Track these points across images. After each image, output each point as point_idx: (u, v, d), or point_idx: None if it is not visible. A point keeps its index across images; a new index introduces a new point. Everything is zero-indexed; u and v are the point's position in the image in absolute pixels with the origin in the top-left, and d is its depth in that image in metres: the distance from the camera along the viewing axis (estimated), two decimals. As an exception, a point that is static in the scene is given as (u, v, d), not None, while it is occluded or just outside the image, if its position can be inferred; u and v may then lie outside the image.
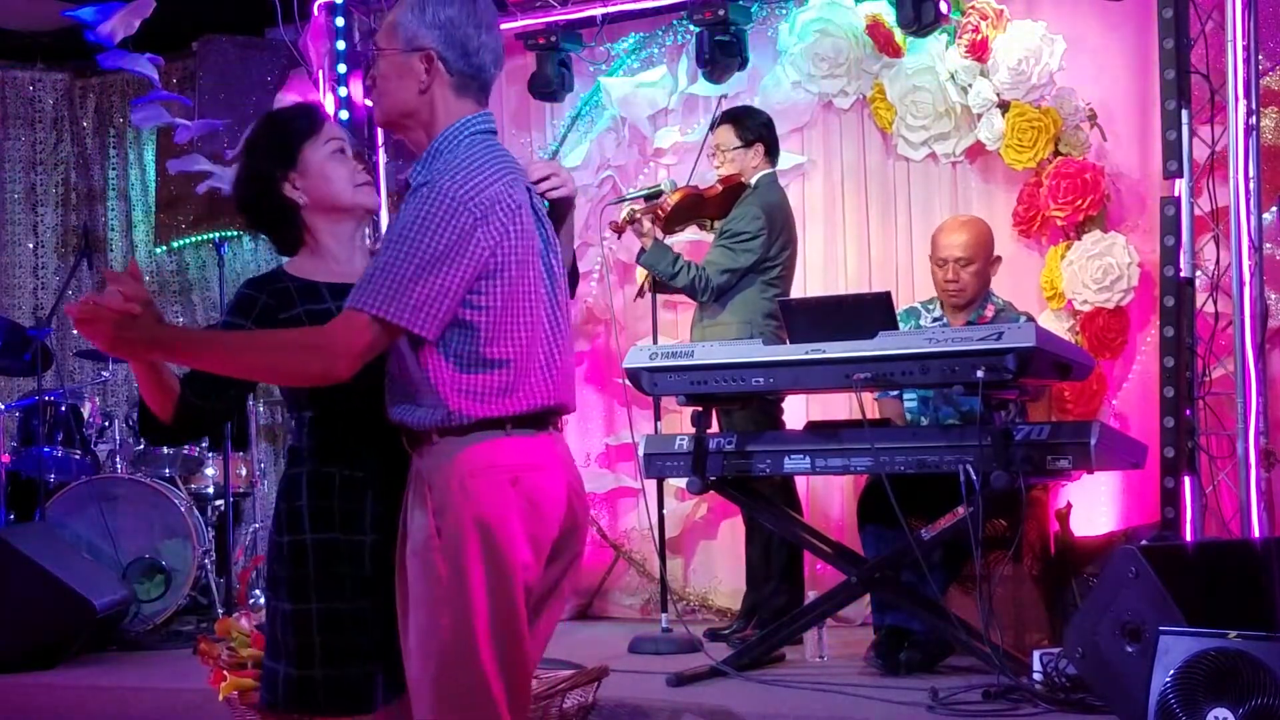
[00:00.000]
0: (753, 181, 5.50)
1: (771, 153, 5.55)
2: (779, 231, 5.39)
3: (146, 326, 2.44)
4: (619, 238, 5.75)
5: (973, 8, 5.70)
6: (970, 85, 5.71)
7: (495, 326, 2.52)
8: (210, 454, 6.73)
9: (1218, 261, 5.21)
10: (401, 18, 2.60)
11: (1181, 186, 5.16)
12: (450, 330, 2.51)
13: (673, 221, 5.50)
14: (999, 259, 5.07)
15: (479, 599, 2.48)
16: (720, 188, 5.50)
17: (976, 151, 5.84)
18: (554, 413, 2.62)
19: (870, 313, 4.42)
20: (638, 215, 5.41)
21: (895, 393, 5.06)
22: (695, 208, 5.53)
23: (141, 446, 6.62)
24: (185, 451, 6.61)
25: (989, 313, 4.97)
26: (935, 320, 5.02)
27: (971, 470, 4.22)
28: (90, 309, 2.41)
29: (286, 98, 7.14)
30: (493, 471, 2.52)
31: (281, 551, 2.71)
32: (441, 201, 2.48)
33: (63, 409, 6.71)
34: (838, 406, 5.58)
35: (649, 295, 5.70)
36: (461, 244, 2.47)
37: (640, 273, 5.80)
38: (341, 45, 6.91)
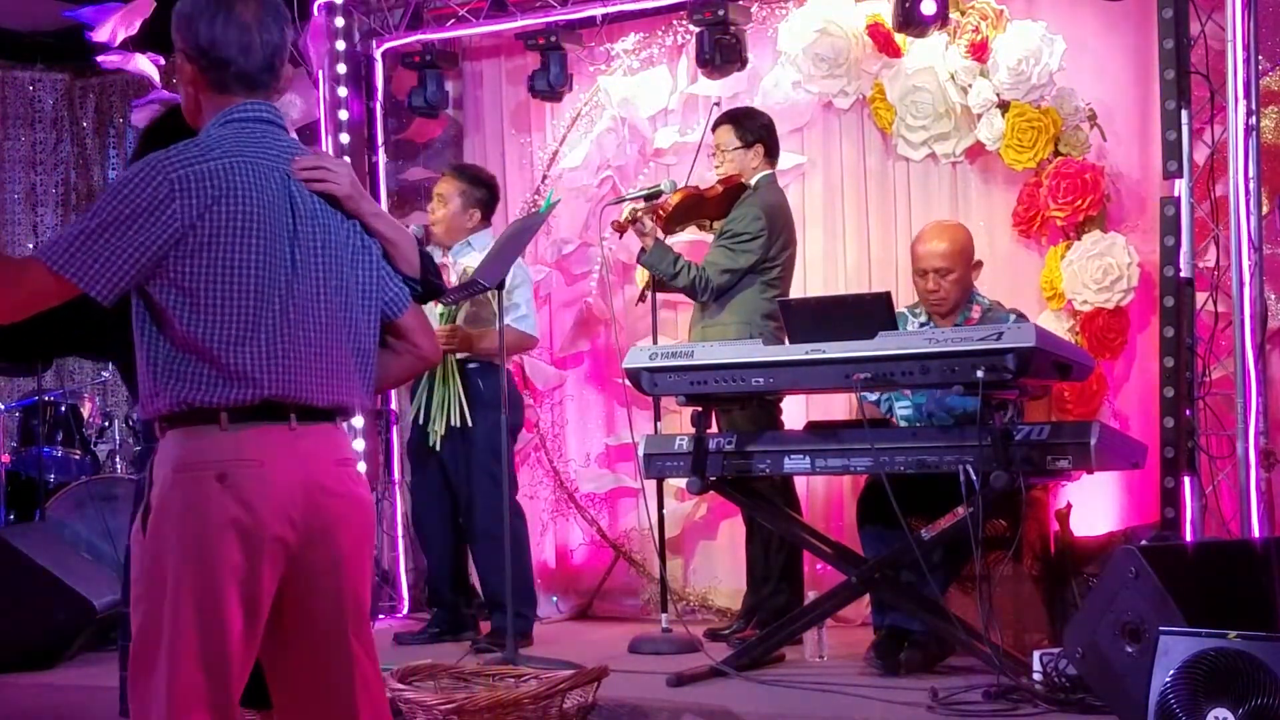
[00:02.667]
0: (753, 182, 5.50)
1: (771, 153, 5.56)
2: (779, 232, 5.39)
3: None
4: (620, 238, 5.75)
5: (972, 8, 5.70)
6: (970, 85, 5.71)
7: (203, 310, 2.49)
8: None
9: (1217, 261, 5.21)
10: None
11: (1181, 186, 5.16)
12: (160, 313, 2.49)
13: (672, 222, 5.51)
14: (979, 263, 5.04)
15: (176, 599, 2.45)
16: (720, 188, 5.50)
17: (976, 152, 5.84)
18: (281, 406, 2.54)
19: (870, 313, 4.42)
20: (639, 215, 5.41)
21: (874, 401, 5.05)
22: (695, 208, 5.54)
23: (141, 446, 6.61)
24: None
25: (975, 314, 4.97)
26: (922, 325, 5.00)
27: (971, 470, 4.23)
28: None
29: (286, 98, 7.14)
30: (199, 467, 2.48)
31: None
32: (142, 169, 2.49)
33: (63, 409, 6.72)
34: (838, 407, 5.59)
35: (650, 296, 5.70)
36: (152, 211, 2.45)
37: (641, 275, 5.80)
38: (341, 45, 6.91)
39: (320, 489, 2.56)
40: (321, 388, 2.59)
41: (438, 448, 5.64)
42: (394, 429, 6.88)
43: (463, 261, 5.69)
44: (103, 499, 6.18)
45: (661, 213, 5.42)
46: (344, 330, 2.63)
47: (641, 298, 5.82)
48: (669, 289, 5.61)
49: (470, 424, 5.62)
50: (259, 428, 2.52)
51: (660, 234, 5.43)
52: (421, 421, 5.67)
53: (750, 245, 5.33)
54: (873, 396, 5.02)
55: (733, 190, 5.49)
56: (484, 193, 5.86)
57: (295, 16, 6.66)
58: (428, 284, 2.79)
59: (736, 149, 5.50)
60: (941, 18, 5.55)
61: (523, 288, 5.69)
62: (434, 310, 5.59)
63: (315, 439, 2.59)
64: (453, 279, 5.51)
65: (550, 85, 6.44)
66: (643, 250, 5.45)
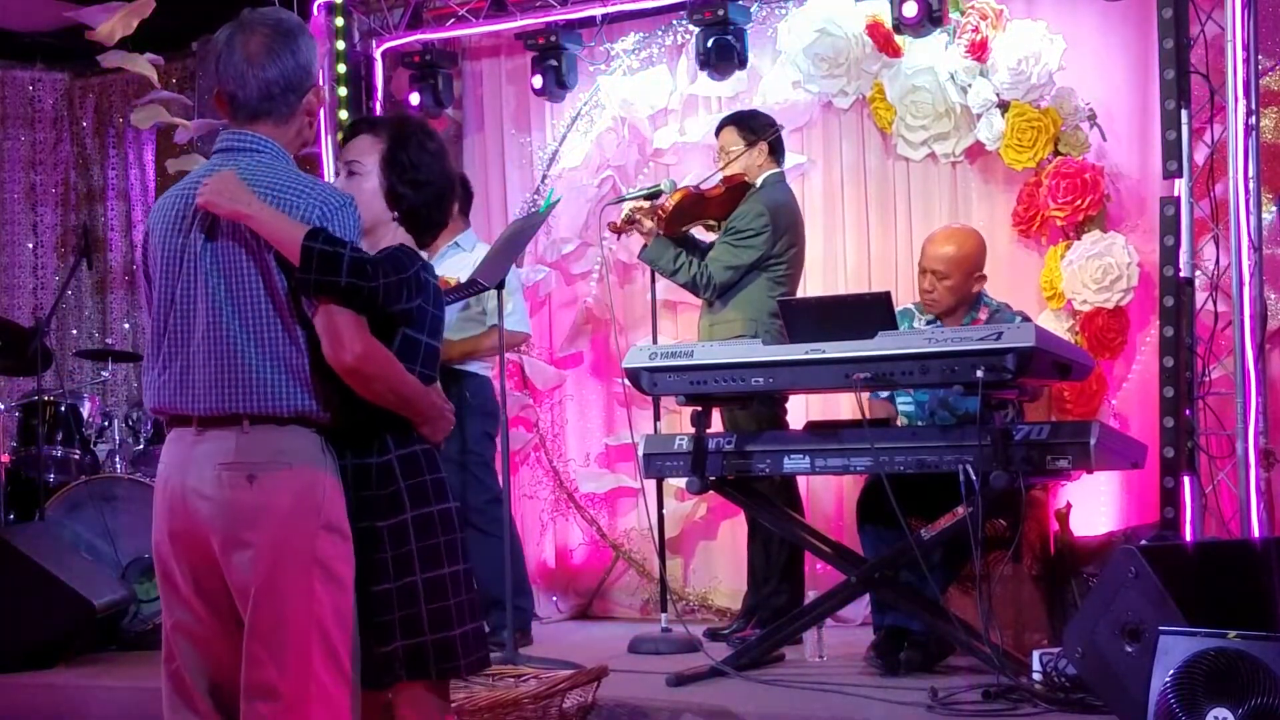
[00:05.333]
0: (758, 181, 5.50)
1: (775, 153, 5.55)
2: (783, 230, 5.39)
3: None
4: (618, 239, 5.75)
5: (972, 8, 5.70)
6: (970, 85, 5.71)
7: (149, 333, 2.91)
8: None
9: (1217, 261, 5.21)
10: None
11: (1181, 186, 5.16)
12: None
13: (675, 222, 5.49)
14: (983, 276, 5.00)
15: None
16: (723, 188, 5.50)
17: (976, 151, 5.84)
18: (179, 418, 2.82)
19: (870, 313, 4.42)
20: (637, 216, 5.41)
21: (885, 397, 5.05)
22: (697, 208, 5.53)
23: (141, 446, 6.62)
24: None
25: (983, 315, 4.96)
26: (929, 323, 5.00)
27: (971, 470, 4.22)
28: None
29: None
30: None
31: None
32: None
33: (63, 409, 6.71)
34: (838, 406, 5.59)
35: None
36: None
37: (627, 207, 5.72)
38: (341, 45, 6.91)
39: (195, 493, 2.77)
40: (200, 399, 2.78)
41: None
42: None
43: (451, 262, 5.70)
44: (103, 499, 6.17)
45: (661, 213, 5.41)
46: (226, 342, 2.77)
47: (615, 229, 5.72)
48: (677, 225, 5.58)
49: (457, 428, 5.61)
50: (170, 438, 2.85)
51: (660, 231, 5.43)
52: None
53: (753, 242, 5.33)
54: (884, 394, 5.02)
55: (736, 189, 5.49)
56: (459, 190, 5.90)
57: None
58: (304, 280, 2.74)
59: (740, 149, 5.50)
60: (930, 19, 5.54)
61: (510, 284, 5.69)
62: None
63: (207, 446, 2.77)
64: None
65: (550, 85, 6.44)
66: (644, 246, 5.45)
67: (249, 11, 2.93)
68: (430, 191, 3.04)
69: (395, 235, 3.02)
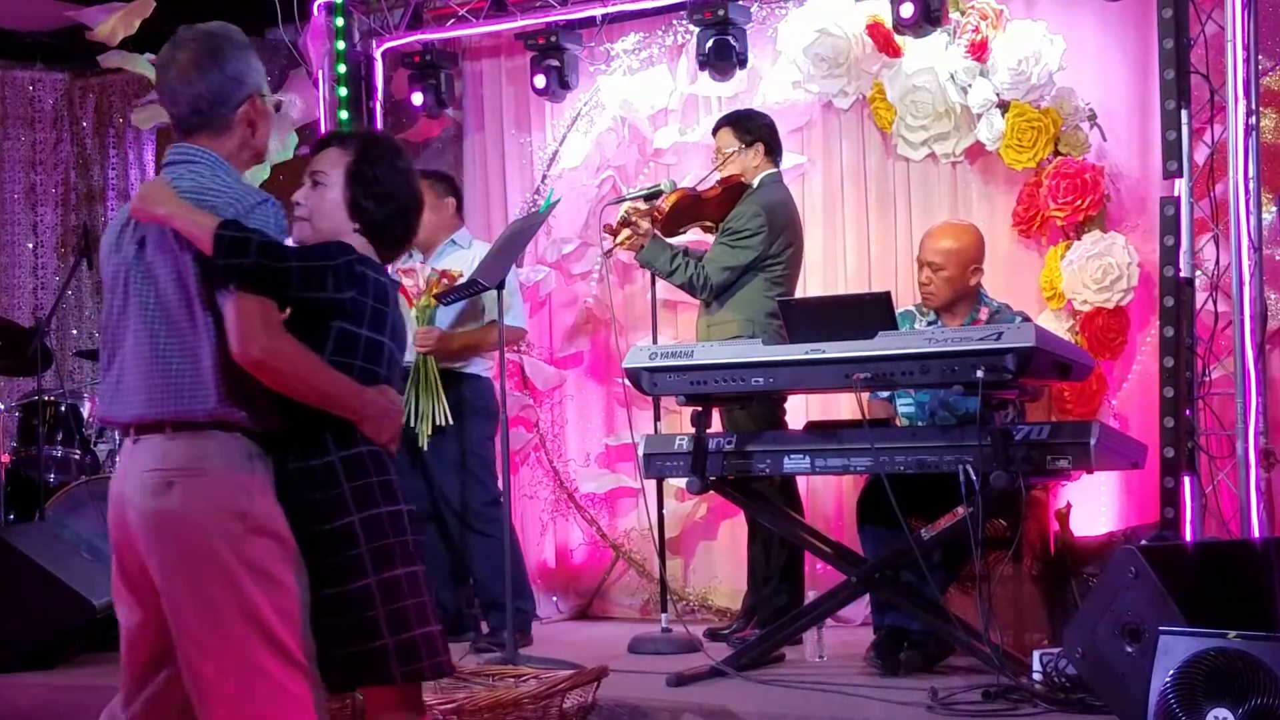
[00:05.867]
0: (755, 182, 5.50)
1: (772, 153, 5.55)
2: (780, 230, 5.39)
3: None
4: (614, 240, 5.76)
5: (972, 8, 5.70)
6: (970, 85, 5.71)
7: None
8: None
9: (1218, 261, 5.21)
10: None
11: (1181, 186, 5.16)
12: None
13: (672, 224, 5.51)
14: (980, 270, 5.02)
15: None
16: (720, 189, 5.50)
17: (976, 152, 5.84)
18: (121, 426, 2.91)
19: (870, 313, 4.42)
20: (633, 217, 5.41)
21: (885, 398, 5.05)
22: (693, 209, 5.53)
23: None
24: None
25: (983, 315, 4.97)
26: (930, 324, 5.00)
27: (971, 470, 4.22)
28: None
29: (286, 98, 7.14)
30: None
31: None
32: None
33: (62, 409, 6.71)
34: (838, 407, 5.58)
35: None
36: None
37: (625, 208, 5.74)
38: (341, 45, 6.91)
39: (126, 500, 2.84)
40: (130, 407, 2.85)
41: (424, 447, 5.64)
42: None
43: (449, 259, 5.72)
44: (103, 499, 6.07)
45: (658, 215, 5.42)
46: (150, 350, 2.83)
47: (608, 254, 5.79)
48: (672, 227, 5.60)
49: (458, 429, 5.63)
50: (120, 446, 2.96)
51: (657, 231, 5.43)
52: (411, 423, 5.67)
53: (749, 242, 5.33)
54: (885, 394, 5.02)
55: (733, 190, 5.49)
56: (448, 185, 5.97)
57: (295, 17, 6.73)
58: (214, 266, 2.76)
59: (736, 150, 5.50)
60: (928, 19, 5.54)
61: (510, 284, 5.70)
62: (409, 312, 5.61)
63: (139, 452, 2.85)
64: (422, 283, 5.54)
65: (550, 85, 6.45)
66: (641, 247, 5.45)
67: (183, 28, 2.99)
68: (393, 206, 3.07)
69: (359, 248, 3.02)
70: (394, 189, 3.08)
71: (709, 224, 5.62)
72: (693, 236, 5.85)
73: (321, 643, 2.83)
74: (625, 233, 5.48)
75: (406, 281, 5.52)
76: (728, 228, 5.41)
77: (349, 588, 2.83)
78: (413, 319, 5.59)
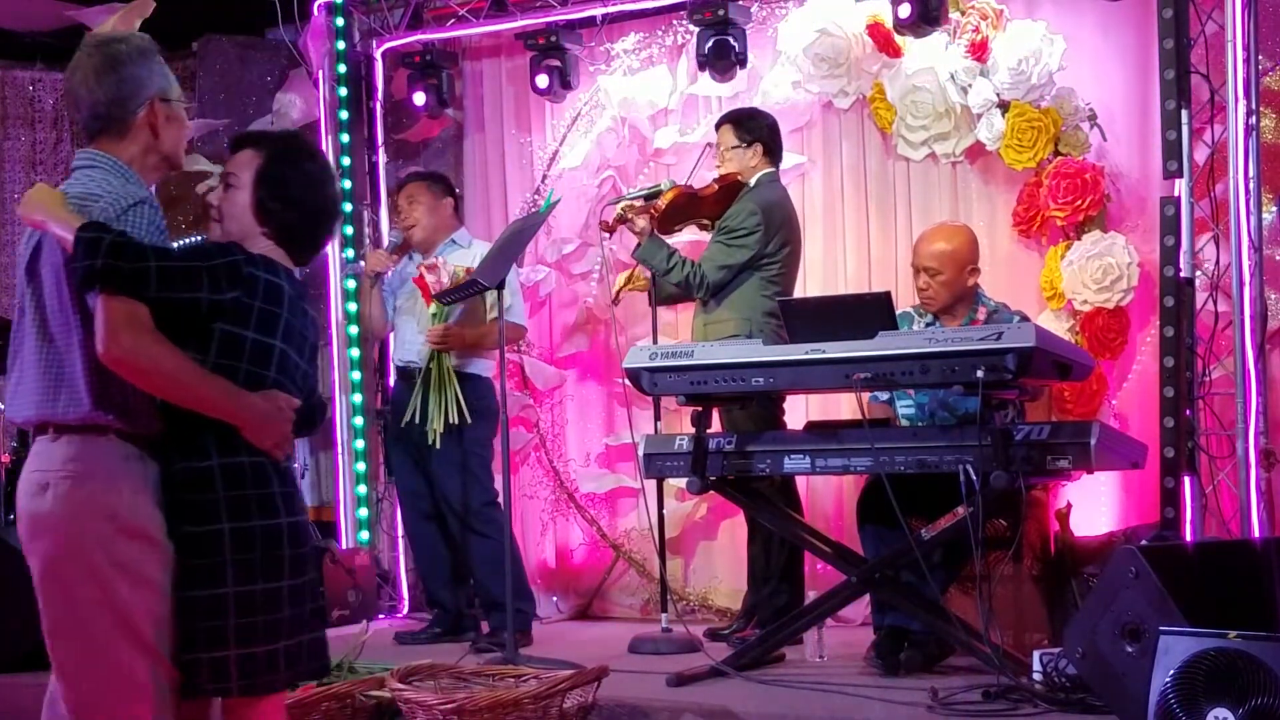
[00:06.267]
0: (752, 181, 5.50)
1: (771, 153, 5.55)
2: (776, 229, 5.39)
3: None
4: (610, 237, 5.77)
5: (972, 8, 5.70)
6: (970, 85, 5.71)
7: None
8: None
9: (1218, 261, 5.21)
10: None
11: (1181, 186, 5.16)
12: None
13: (669, 222, 5.51)
14: (977, 270, 5.02)
15: None
16: (717, 187, 5.51)
17: (976, 152, 5.84)
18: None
19: (870, 313, 4.42)
20: (629, 215, 5.42)
21: (885, 400, 5.05)
22: (691, 208, 5.54)
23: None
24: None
25: (981, 315, 4.97)
26: (928, 325, 5.00)
27: (971, 470, 4.22)
28: None
29: (286, 98, 7.14)
30: None
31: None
32: None
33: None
34: (837, 407, 5.58)
35: (622, 299, 5.72)
36: None
37: (620, 278, 5.80)
38: (341, 45, 6.92)
39: (19, 504, 2.89)
40: (23, 407, 2.89)
41: (437, 445, 5.65)
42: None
43: (450, 258, 5.73)
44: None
45: (654, 212, 5.42)
46: (37, 354, 2.86)
47: (615, 300, 5.82)
48: (664, 301, 5.65)
49: (458, 429, 5.64)
50: None
51: (652, 230, 5.44)
52: (418, 421, 5.67)
53: (745, 241, 5.33)
54: (884, 396, 5.02)
55: (730, 188, 5.50)
56: (445, 186, 5.99)
57: (296, 17, 6.74)
58: (71, 269, 2.75)
59: (735, 148, 5.50)
60: (926, 19, 5.54)
61: (510, 283, 5.71)
62: (426, 311, 5.61)
63: (31, 454, 2.90)
64: (445, 279, 5.55)
65: (550, 85, 6.45)
66: (637, 245, 5.45)
67: (89, 35, 3.05)
68: (301, 210, 3.04)
69: (266, 250, 2.99)
70: (303, 192, 3.05)
71: (705, 222, 5.62)
72: (689, 235, 5.86)
73: (176, 644, 2.83)
74: (628, 275, 5.65)
75: (429, 277, 5.52)
76: (724, 226, 5.41)
77: (204, 593, 2.81)
78: (429, 316, 5.61)
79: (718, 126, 5.64)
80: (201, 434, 2.85)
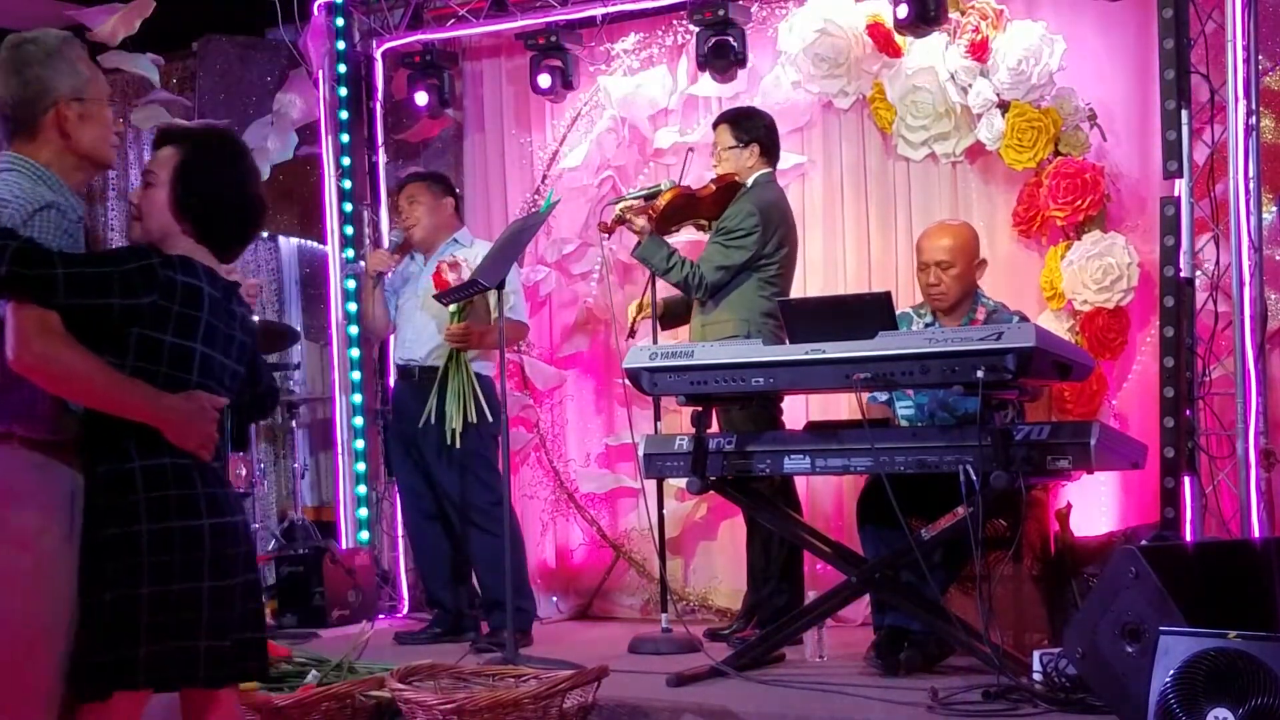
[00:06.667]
0: (749, 181, 5.50)
1: (768, 154, 5.55)
2: (774, 229, 5.39)
3: None
4: (608, 237, 5.77)
5: (972, 8, 5.70)
6: (970, 85, 5.71)
7: None
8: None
9: (1218, 261, 5.21)
10: None
11: (1181, 186, 5.16)
12: None
13: (667, 222, 5.52)
14: (984, 262, 5.03)
15: None
16: (714, 187, 5.51)
17: (976, 152, 5.84)
18: None
19: (870, 313, 4.42)
20: (628, 215, 5.42)
21: (884, 400, 5.06)
22: (689, 208, 5.54)
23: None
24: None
25: (980, 315, 4.97)
26: (927, 325, 5.00)
27: (971, 470, 4.22)
28: None
29: (286, 98, 7.14)
30: None
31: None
32: None
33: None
34: (837, 407, 5.58)
35: (637, 331, 5.72)
36: None
37: (631, 308, 5.79)
38: (341, 45, 6.92)
39: None
40: None
41: (457, 444, 5.64)
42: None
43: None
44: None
45: (653, 213, 5.43)
46: None
47: (631, 333, 5.80)
48: (672, 324, 5.65)
49: (468, 428, 5.64)
50: None
51: (652, 229, 5.44)
52: (434, 421, 5.67)
53: (744, 241, 5.33)
54: (883, 397, 5.02)
55: (727, 189, 5.50)
56: (445, 186, 5.99)
57: (296, 17, 6.74)
58: None
59: (731, 148, 5.50)
60: (924, 19, 5.54)
61: (510, 278, 5.71)
62: (445, 310, 5.61)
63: None
64: (467, 276, 5.55)
65: (550, 85, 6.45)
66: (637, 243, 5.46)
67: (10, 36, 2.99)
68: (219, 206, 3.00)
69: (187, 249, 2.97)
70: (222, 188, 3.01)
71: (702, 222, 5.63)
72: (687, 236, 5.86)
73: (81, 648, 2.81)
74: (637, 304, 5.65)
75: (450, 275, 5.52)
76: (722, 227, 5.42)
77: (118, 594, 2.79)
78: (449, 315, 5.61)
79: (715, 126, 5.64)
80: (123, 437, 2.84)
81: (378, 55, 7.01)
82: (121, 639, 2.79)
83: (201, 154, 3.02)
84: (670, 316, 5.71)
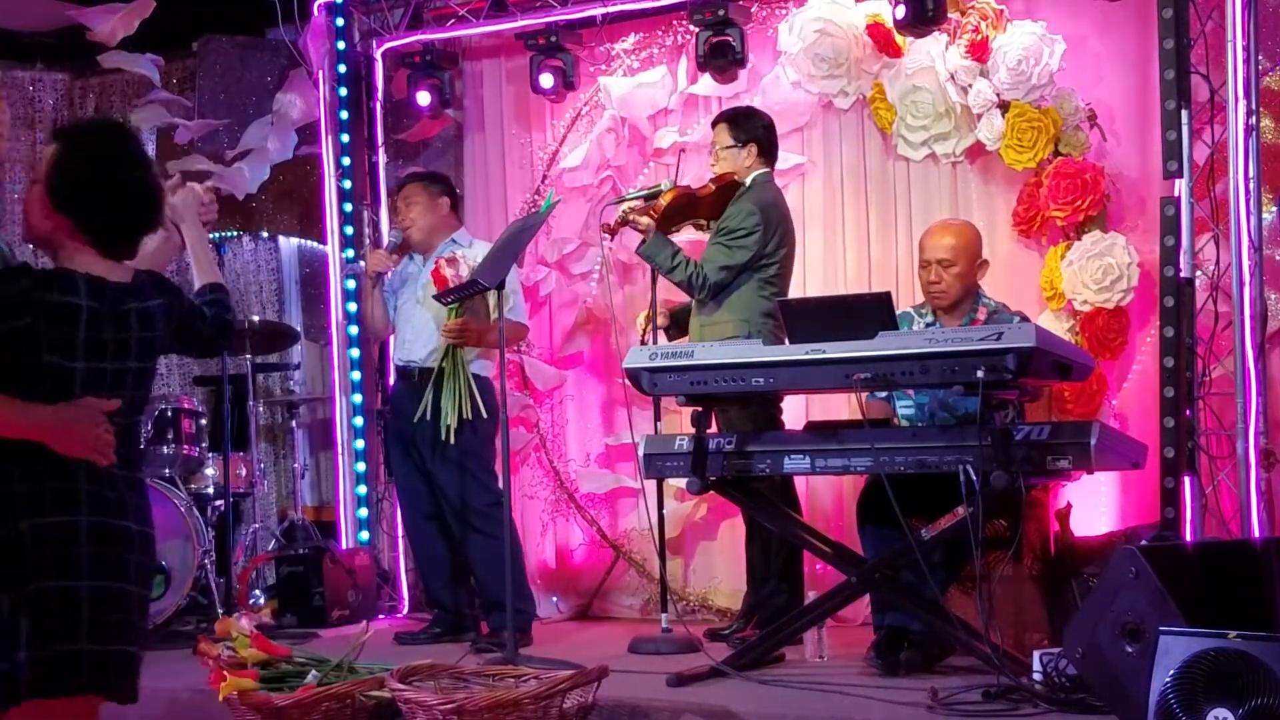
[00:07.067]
0: (747, 181, 5.51)
1: (766, 154, 5.55)
2: (774, 229, 5.39)
3: None
4: (612, 239, 5.77)
5: (972, 8, 5.70)
6: (970, 85, 5.71)
7: None
8: (210, 454, 6.75)
9: (1218, 261, 5.21)
10: None
11: (1181, 186, 5.16)
12: None
13: (667, 221, 5.52)
14: (985, 262, 5.03)
15: None
16: (713, 187, 5.52)
17: (976, 152, 5.84)
18: None
19: (870, 313, 4.42)
20: (630, 216, 5.43)
21: (884, 398, 5.06)
22: (689, 208, 5.55)
23: (140, 445, 6.62)
24: (185, 451, 6.63)
25: (981, 315, 4.96)
26: (928, 325, 5.00)
27: (971, 470, 4.22)
28: None
29: (286, 98, 7.15)
30: None
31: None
32: None
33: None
34: (837, 407, 5.58)
35: (656, 329, 5.72)
36: None
37: (640, 319, 5.79)
38: (341, 45, 6.92)
39: None
40: None
41: (451, 440, 5.64)
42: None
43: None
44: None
45: (654, 213, 5.43)
46: None
47: (642, 345, 5.80)
48: (678, 335, 5.65)
49: (463, 428, 5.64)
50: None
51: (656, 228, 5.44)
52: (429, 417, 5.67)
53: (745, 241, 5.34)
54: (883, 395, 5.02)
55: (726, 188, 5.50)
56: (442, 185, 5.98)
57: (296, 16, 6.74)
58: None
59: (729, 148, 5.50)
60: (923, 19, 5.54)
61: (510, 278, 5.71)
62: (444, 310, 5.61)
63: None
64: (465, 273, 5.54)
65: (550, 85, 6.45)
66: (641, 242, 5.46)
67: None
68: (97, 197, 2.85)
69: (74, 249, 2.88)
70: (100, 175, 2.85)
71: (701, 222, 5.63)
72: (687, 235, 5.86)
73: None
74: (645, 315, 5.64)
75: (448, 271, 5.51)
76: (723, 227, 5.42)
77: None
78: (448, 312, 5.61)
79: (713, 125, 5.64)
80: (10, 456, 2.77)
81: (378, 55, 7.01)
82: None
83: (77, 144, 2.89)
84: (677, 327, 5.70)
